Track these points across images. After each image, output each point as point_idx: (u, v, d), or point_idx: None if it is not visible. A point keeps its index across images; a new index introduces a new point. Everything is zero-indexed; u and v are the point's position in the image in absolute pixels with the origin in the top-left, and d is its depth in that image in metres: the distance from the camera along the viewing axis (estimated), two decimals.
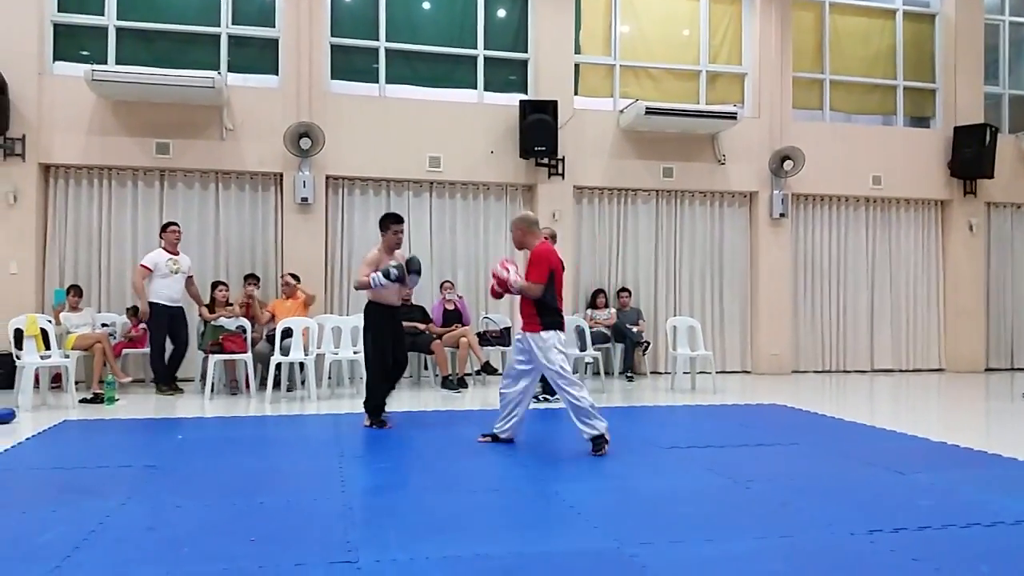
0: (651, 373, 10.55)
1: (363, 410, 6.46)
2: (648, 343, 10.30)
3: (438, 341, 9.01)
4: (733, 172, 10.94)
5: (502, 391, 5.70)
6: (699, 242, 11.07)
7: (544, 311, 5.41)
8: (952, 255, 11.79)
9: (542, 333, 5.38)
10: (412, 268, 6.36)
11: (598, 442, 5.32)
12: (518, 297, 5.59)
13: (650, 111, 10.02)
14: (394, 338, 6.54)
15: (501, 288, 5.57)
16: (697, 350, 9.25)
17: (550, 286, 5.42)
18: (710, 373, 9.34)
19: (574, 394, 5.33)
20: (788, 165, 10.79)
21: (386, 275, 6.17)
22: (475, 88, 10.44)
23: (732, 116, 10.36)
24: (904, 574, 3.20)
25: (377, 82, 10.17)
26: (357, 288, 6.44)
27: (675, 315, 10.52)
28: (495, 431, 5.73)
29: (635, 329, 10.09)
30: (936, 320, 11.85)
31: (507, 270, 5.50)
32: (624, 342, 10.02)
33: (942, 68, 11.88)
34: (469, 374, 9.35)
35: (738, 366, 11.14)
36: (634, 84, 10.89)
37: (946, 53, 11.83)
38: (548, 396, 7.72)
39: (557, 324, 5.46)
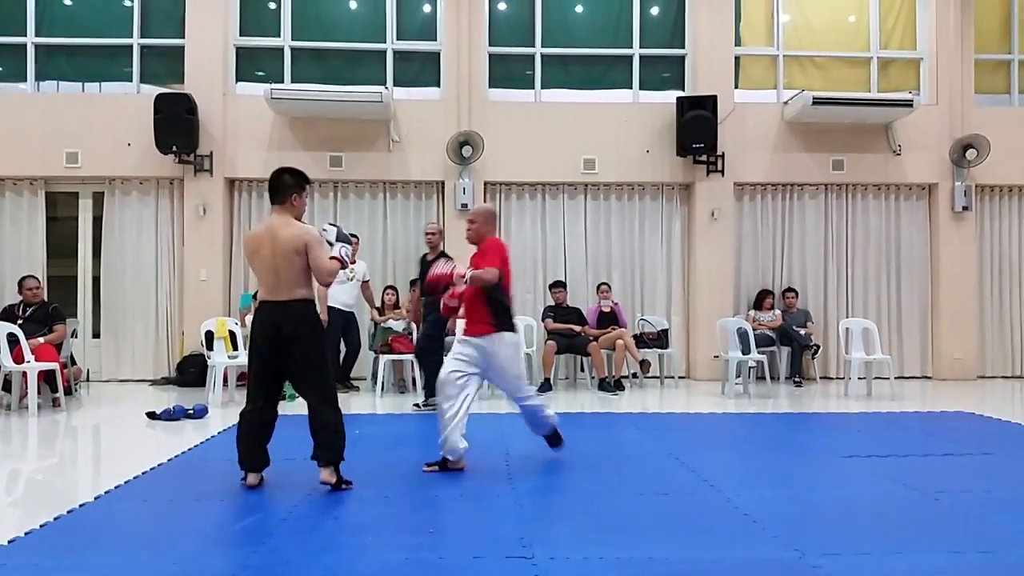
0: (821, 378, 10.04)
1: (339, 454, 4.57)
2: (818, 346, 9.80)
3: (595, 343, 9.00)
4: (910, 163, 10.25)
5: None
6: (873, 238, 10.44)
7: (498, 310, 4.84)
8: None
9: (499, 334, 4.82)
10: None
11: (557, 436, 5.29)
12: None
13: (817, 101, 9.56)
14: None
15: (447, 287, 4.82)
16: (873, 353, 8.73)
17: (500, 281, 4.81)
18: (888, 378, 8.78)
19: (534, 402, 5.09)
20: (971, 154, 10.00)
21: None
22: (630, 88, 10.35)
23: (908, 103, 9.71)
24: None
25: (533, 88, 10.31)
26: (328, 284, 4.56)
27: (848, 316, 9.97)
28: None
29: (803, 331, 9.66)
30: None
31: (446, 268, 4.86)
32: (791, 345, 9.60)
33: None
34: (626, 376, 9.27)
35: (917, 371, 10.40)
36: (799, 74, 10.44)
37: None
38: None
39: (512, 326, 4.96)
